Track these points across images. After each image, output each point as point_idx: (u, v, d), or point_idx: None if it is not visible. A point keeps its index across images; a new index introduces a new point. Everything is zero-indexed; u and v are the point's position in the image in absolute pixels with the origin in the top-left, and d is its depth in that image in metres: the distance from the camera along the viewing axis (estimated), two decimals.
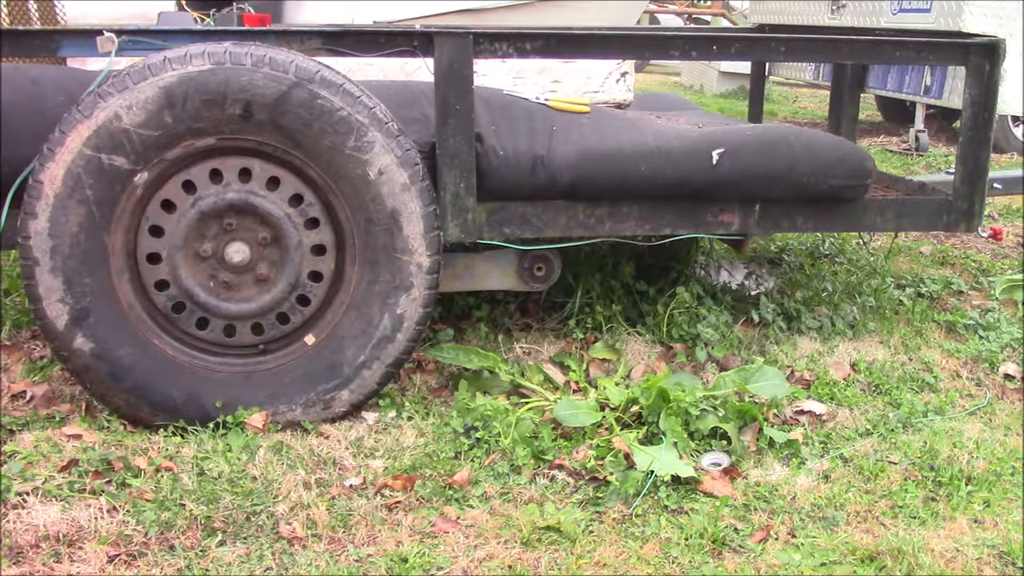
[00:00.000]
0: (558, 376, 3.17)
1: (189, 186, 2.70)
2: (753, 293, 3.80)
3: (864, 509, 2.50)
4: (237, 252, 2.75)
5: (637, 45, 3.40)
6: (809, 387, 3.19)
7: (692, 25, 13.96)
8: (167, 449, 2.61)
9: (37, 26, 4.32)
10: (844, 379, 3.24)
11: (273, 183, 2.73)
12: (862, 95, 4.93)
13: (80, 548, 2.21)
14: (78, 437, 2.63)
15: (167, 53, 2.60)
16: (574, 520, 2.38)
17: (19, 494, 2.35)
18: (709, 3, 15.69)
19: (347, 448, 2.68)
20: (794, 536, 2.38)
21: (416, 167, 2.74)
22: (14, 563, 2.16)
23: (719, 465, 2.66)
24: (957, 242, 4.89)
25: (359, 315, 2.79)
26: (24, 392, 2.95)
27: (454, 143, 2.88)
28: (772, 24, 5.01)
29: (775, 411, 2.97)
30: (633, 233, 3.13)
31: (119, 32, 2.72)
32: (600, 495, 2.53)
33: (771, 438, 2.78)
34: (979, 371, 3.39)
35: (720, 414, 2.79)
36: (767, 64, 4.97)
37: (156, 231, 2.71)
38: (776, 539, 2.36)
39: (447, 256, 3.03)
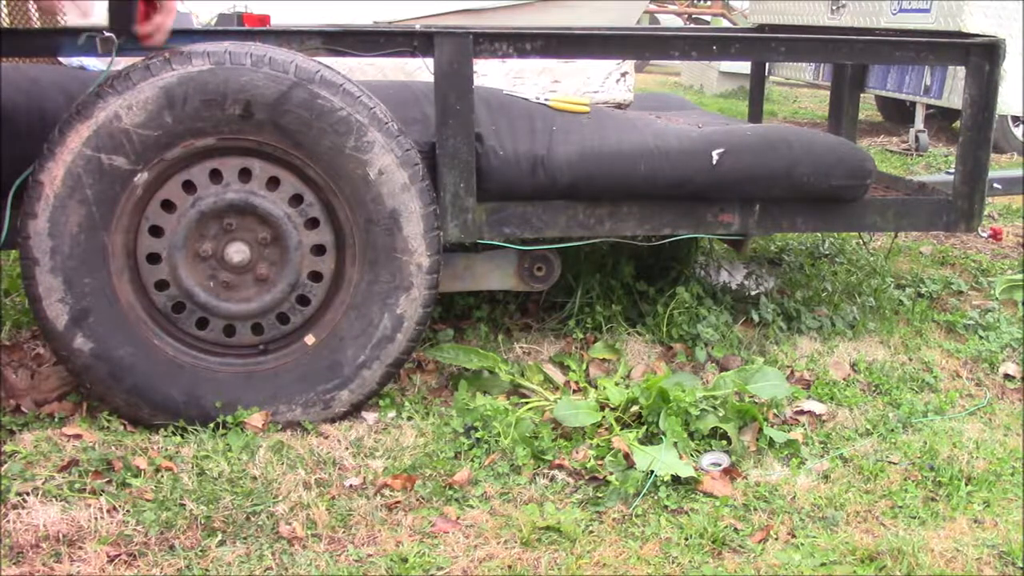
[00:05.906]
0: (558, 376, 3.16)
1: (189, 186, 2.70)
2: (753, 293, 3.79)
3: (864, 509, 2.50)
4: (237, 252, 2.75)
5: (637, 45, 3.40)
6: (809, 387, 3.19)
7: (692, 25, 13.96)
8: (167, 449, 2.61)
9: (37, 26, 4.32)
10: (844, 379, 3.24)
11: (273, 183, 2.73)
12: (862, 95, 4.94)
13: (80, 548, 2.21)
14: (78, 437, 2.63)
15: (167, 53, 2.60)
16: (574, 520, 2.38)
17: (19, 494, 2.35)
18: (709, 3, 15.69)
19: (347, 448, 2.68)
20: (794, 536, 2.38)
21: (416, 167, 2.74)
22: (14, 563, 2.16)
23: (719, 465, 2.66)
24: (957, 242, 4.89)
25: (359, 315, 2.79)
26: None
27: (454, 143, 2.88)
28: (772, 24, 5.01)
29: (775, 411, 2.97)
30: (633, 233, 3.13)
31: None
32: (600, 495, 2.53)
33: (771, 438, 2.78)
34: (979, 371, 3.39)
35: (720, 414, 2.79)
36: (767, 64, 4.97)
37: (156, 231, 2.71)
38: (776, 539, 2.36)
39: (447, 256, 3.03)
